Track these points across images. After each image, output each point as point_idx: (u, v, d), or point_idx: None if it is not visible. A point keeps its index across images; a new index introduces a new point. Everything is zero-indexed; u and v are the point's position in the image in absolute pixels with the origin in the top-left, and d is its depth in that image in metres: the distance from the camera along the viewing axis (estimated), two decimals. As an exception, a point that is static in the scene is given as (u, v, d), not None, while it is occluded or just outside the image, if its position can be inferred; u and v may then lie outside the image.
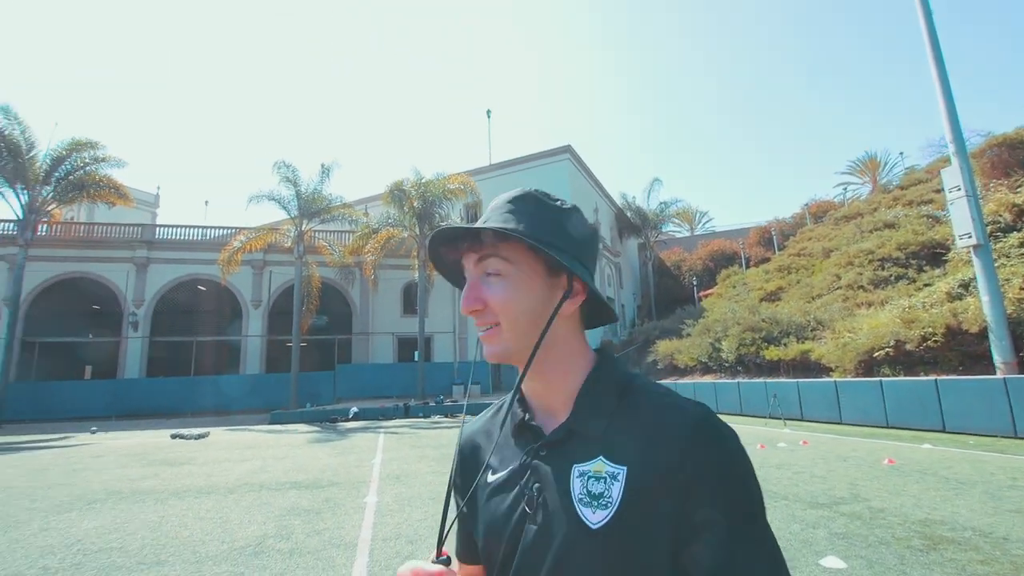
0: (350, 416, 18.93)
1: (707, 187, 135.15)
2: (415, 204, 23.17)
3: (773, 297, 22.76)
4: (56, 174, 19.95)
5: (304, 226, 22.24)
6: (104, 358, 27.14)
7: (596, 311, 0.75)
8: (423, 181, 23.36)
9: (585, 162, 35.36)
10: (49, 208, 20.84)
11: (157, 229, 26.01)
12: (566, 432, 0.65)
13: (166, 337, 26.08)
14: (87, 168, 20.19)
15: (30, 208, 19.99)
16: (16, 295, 19.78)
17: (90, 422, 19.89)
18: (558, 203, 0.71)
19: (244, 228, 23.48)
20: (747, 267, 34.02)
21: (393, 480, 7.27)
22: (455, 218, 25.28)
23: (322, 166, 22.48)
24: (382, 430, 14.84)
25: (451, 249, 0.73)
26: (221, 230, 26.73)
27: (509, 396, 0.75)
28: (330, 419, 18.60)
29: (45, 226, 23.53)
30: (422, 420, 17.97)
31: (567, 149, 32.82)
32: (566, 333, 0.69)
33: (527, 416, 0.70)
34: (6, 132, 18.95)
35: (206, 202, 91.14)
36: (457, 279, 0.77)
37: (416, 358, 24.52)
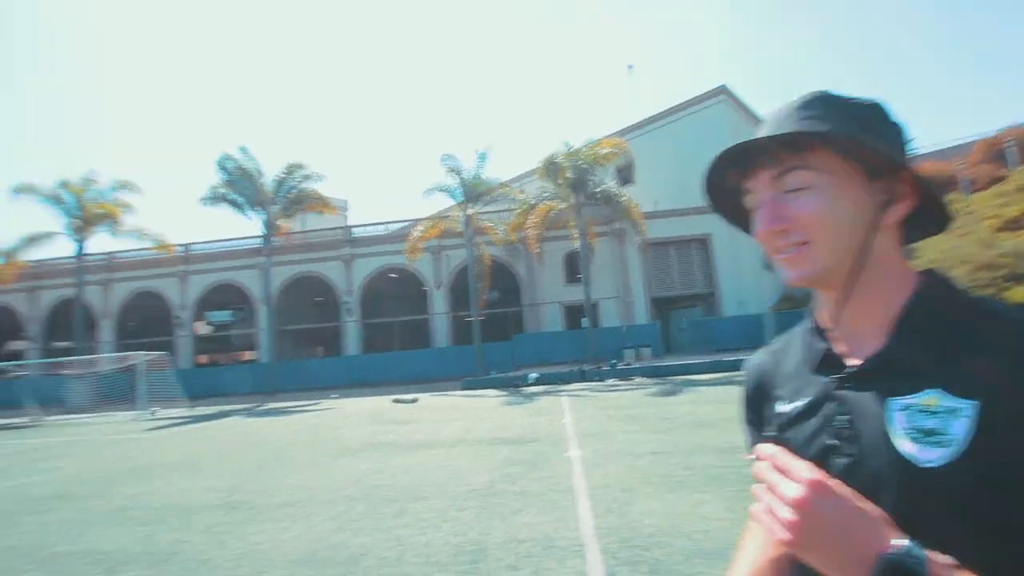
0: (530, 381, 20.12)
1: (900, 103, 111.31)
2: (568, 175, 23.25)
3: (1015, 226, 18.21)
4: (280, 194, 24.27)
5: (470, 210, 23.85)
6: (331, 339, 32.73)
7: (917, 221, 0.62)
8: (573, 151, 23.28)
9: (745, 102, 31.70)
10: (278, 222, 25.50)
11: (353, 230, 30.16)
12: (882, 362, 0.57)
13: (373, 319, 30.39)
14: (300, 185, 24.19)
15: (267, 224, 24.69)
16: (268, 294, 24.78)
17: (330, 391, 24.20)
18: (858, 99, 0.61)
19: (421, 219, 25.97)
20: (971, 192, 27.54)
21: (589, 437, 7.63)
22: (609, 183, 24.80)
23: (479, 153, 23.74)
24: (563, 393, 15.49)
25: (735, 173, 0.64)
26: (402, 223, 30.03)
27: (803, 325, 0.67)
28: (513, 384, 19.99)
29: (277, 238, 28.82)
30: (598, 384, 18.32)
31: (722, 90, 29.75)
32: (886, 247, 0.60)
33: (827, 346, 0.62)
34: (245, 166, 23.53)
35: (386, 201, 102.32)
36: (735, 214, 0.69)
37: (584, 324, 24.97)
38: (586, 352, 24.06)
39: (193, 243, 32.06)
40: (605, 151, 22.97)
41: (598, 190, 23.27)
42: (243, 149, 23.56)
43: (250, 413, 17.67)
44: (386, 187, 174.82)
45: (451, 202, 24.83)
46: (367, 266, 29.34)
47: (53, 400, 23.16)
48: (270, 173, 24.39)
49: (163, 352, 22.73)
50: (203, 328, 33.94)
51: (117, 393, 23.00)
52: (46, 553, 4.25)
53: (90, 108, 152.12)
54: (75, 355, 24.86)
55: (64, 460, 9.55)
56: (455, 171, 23.15)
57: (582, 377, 20.12)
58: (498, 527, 4.06)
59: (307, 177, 24.34)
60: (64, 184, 26.00)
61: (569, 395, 14.72)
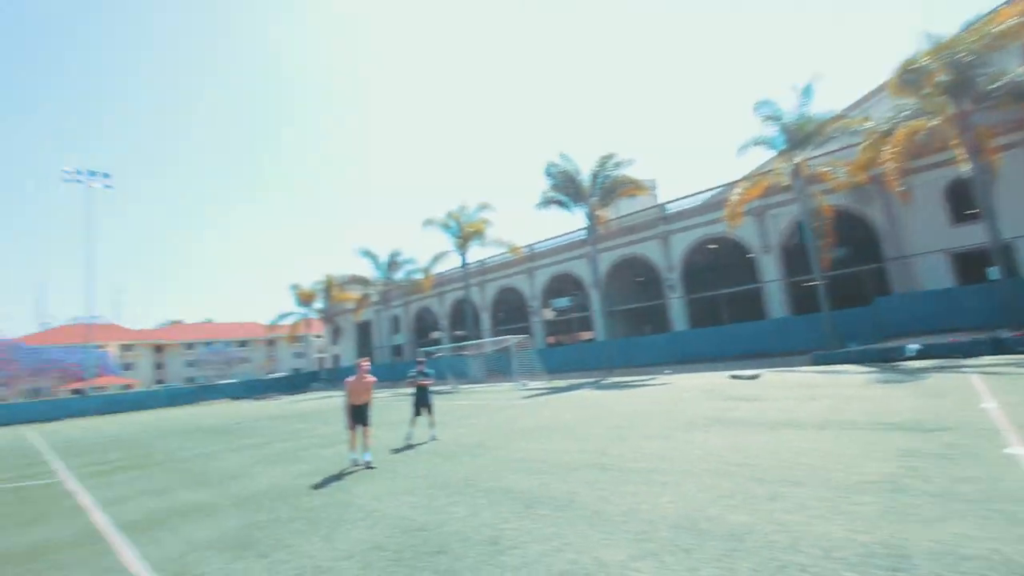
0: (910, 354, 15.87)
1: None
2: (941, 77, 17.23)
3: None
4: (596, 185, 26.04)
5: (797, 158, 20.40)
6: (655, 317, 33.37)
7: None
8: (946, 43, 17.09)
9: None
10: (597, 212, 27.39)
11: (667, 206, 29.87)
12: None
13: (697, 294, 29.50)
14: (612, 174, 25.40)
15: (589, 216, 26.89)
16: (597, 280, 26.98)
17: (661, 367, 24.70)
18: None
19: (737, 181, 23.69)
20: None
21: (1038, 430, 5.45)
22: (1017, 69, 17.21)
23: (801, 89, 20.01)
24: (967, 369, 11.64)
25: None
26: (716, 190, 28.05)
27: None
28: (885, 358, 16.17)
29: (599, 227, 30.99)
30: (1029, 355, 13.01)
31: None
32: None
33: None
34: (565, 169, 26.20)
35: (695, 171, 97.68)
36: None
37: (991, 276, 18.11)
38: (997, 315, 17.43)
39: (535, 243, 37.76)
40: (1003, 26, 16.02)
41: (997, 85, 16.52)
42: (564, 156, 26.33)
43: (596, 386, 19.39)
44: (692, 157, 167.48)
45: (771, 155, 21.77)
46: (684, 240, 28.67)
47: (461, 373, 31.01)
48: (585, 169, 26.50)
49: (524, 335, 27.52)
50: (549, 314, 39.55)
51: (498, 368, 29.08)
52: (482, 486, 5.66)
53: (447, 146, 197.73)
54: (469, 340, 32.84)
55: (476, 418, 12.55)
56: (773, 117, 20.17)
57: (996, 348, 14.66)
58: (920, 533, 3.29)
59: (617, 165, 25.39)
60: (450, 214, 34.49)
61: (980, 372, 10.94)
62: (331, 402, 26.61)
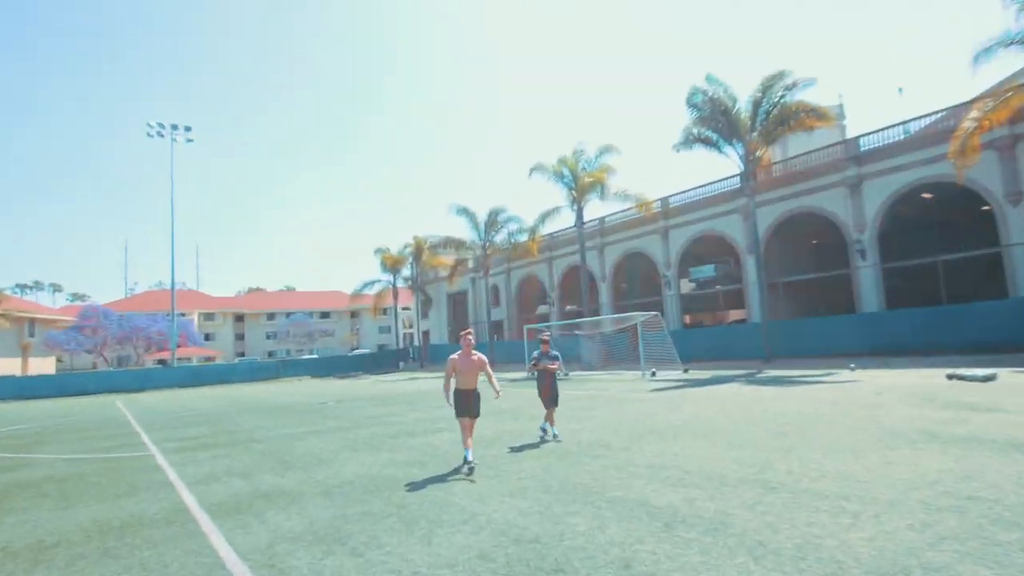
0: None
1: None
2: None
3: None
4: (758, 117, 24.18)
5: None
6: (835, 292, 30.81)
7: None
8: None
9: None
10: (757, 153, 25.56)
11: (860, 141, 26.99)
12: None
13: (899, 262, 26.63)
14: (782, 100, 23.39)
15: (745, 158, 25.17)
16: (755, 242, 25.39)
17: (841, 358, 22.88)
18: None
19: (975, 100, 20.56)
20: None
21: None
22: None
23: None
24: None
25: None
26: (936, 115, 24.76)
27: None
28: None
29: (759, 172, 29.02)
30: None
31: None
32: None
33: None
34: (715, 96, 24.62)
35: (899, 89, 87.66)
36: None
37: None
38: None
39: (670, 196, 36.44)
40: None
41: None
42: (710, 78, 24.69)
43: (748, 380, 18.90)
44: (895, 74, 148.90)
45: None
46: (883, 188, 25.85)
47: (573, 357, 31.21)
48: (743, 95, 24.69)
49: (654, 313, 26.87)
50: (687, 286, 38.25)
51: (619, 352, 28.87)
52: (608, 495, 5.61)
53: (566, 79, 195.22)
54: (584, 317, 32.85)
55: (595, 411, 12.72)
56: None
57: None
58: None
59: (790, 88, 23.30)
60: (562, 160, 34.24)
61: None
62: (420, 385, 28.23)
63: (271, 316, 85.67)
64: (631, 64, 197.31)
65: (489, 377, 7.56)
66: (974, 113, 19.41)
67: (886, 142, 26.08)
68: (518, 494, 5.90)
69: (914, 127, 25.73)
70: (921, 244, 27.06)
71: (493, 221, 42.99)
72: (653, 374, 23.47)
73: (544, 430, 9.35)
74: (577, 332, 31.96)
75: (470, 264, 53.14)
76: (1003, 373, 14.82)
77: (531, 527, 4.73)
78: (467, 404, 7.39)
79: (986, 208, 23.60)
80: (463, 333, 7.63)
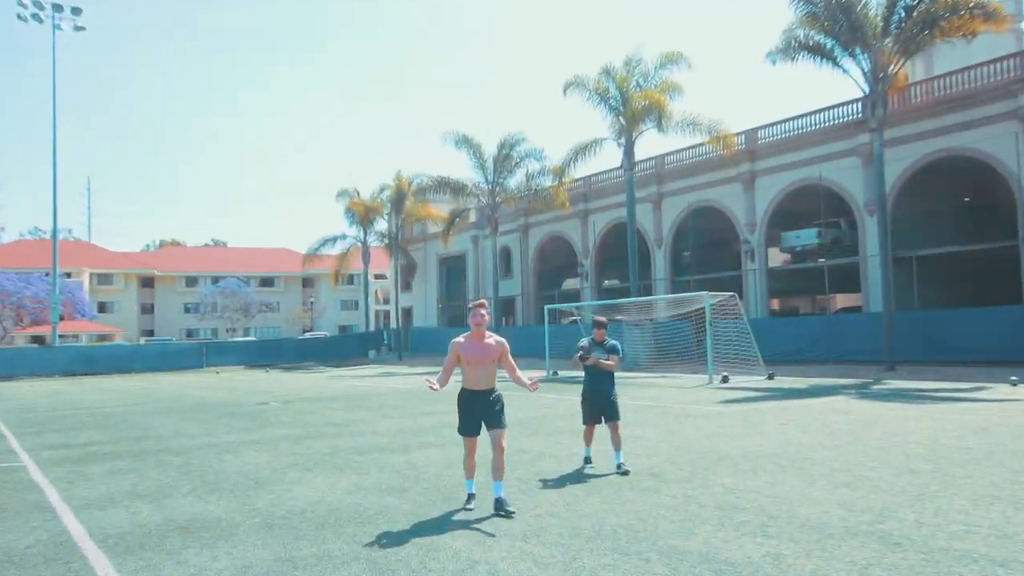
0: None
1: None
2: None
3: None
4: (895, 13, 23.77)
5: None
6: (995, 274, 30.47)
7: None
8: None
9: None
10: (891, 69, 25.15)
11: None
12: None
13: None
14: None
15: (873, 75, 24.78)
16: (880, 196, 25.12)
17: (995, 368, 22.72)
18: None
19: None
20: None
21: None
22: None
23: None
24: None
25: None
26: None
27: None
28: None
29: (892, 95, 28.57)
30: None
31: None
32: None
33: None
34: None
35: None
36: None
37: None
38: None
39: (758, 128, 36.07)
40: None
41: None
42: None
43: (861, 393, 19.01)
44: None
45: None
46: None
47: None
48: None
49: (730, 293, 26.84)
50: (778, 257, 38.09)
51: (678, 347, 28.94)
52: (660, 544, 5.63)
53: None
54: (627, 296, 32.78)
55: (644, 428, 12.82)
56: None
57: None
58: None
59: None
60: (608, 71, 33.88)
61: None
62: (397, 383, 28.39)
63: (191, 281, 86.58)
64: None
65: (511, 370, 7.23)
66: None
67: None
68: (534, 536, 5.92)
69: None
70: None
71: (506, 157, 42.83)
72: (725, 379, 23.60)
73: (588, 459, 9.23)
74: (619, 317, 32.10)
75: (472, 217, 53.17)
76: None
77: (551, 585, 4.74)
78: (480, 412, 7.05)
79: None
80: (474, 305, 7.07)
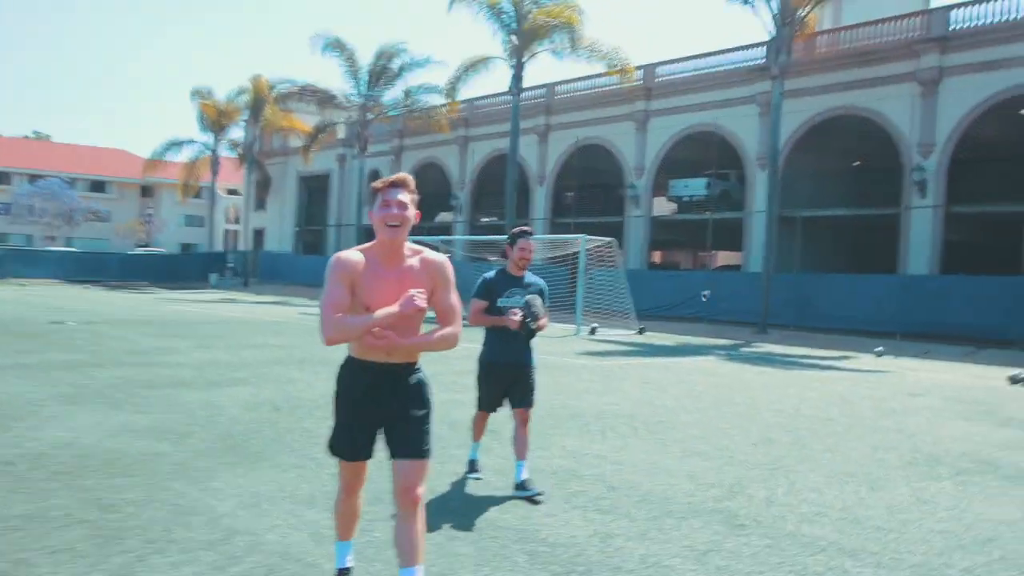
0: None
1: None
2: None
3: None
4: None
5: None
6: (876, 241, 31.84)
7: None
8: None
9: None
10: (801, 11, 25.35)
11: (952, 13, 27.58)
12: None
13: (973, 206, 27.69)
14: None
15: (781, 17, 24.90)
16: (774, 150, 25.52)
17: (864, 337, 23.77)
18: None
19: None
20: None
21: None
22: None
23: None
24: None
25: None
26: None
27: None
28: None
29: (798, 44, 28.91)
30: None
31: None
32: None
33: None
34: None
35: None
36: None
37: None
38: None
39: (658, 64, 36.01)
40: None
41: None
42: None
43: (731, 355, 19.48)
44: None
45: None
46: (971, 92, 26.56)
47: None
48: None
49: (608, 240, 26.84)
50: (665, 206, 38.57)
51: (550, 293, 28.78)
52: (471, 517, 5.11)
53: None
54: (503, 234, 32.47)
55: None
56: None
57: None
58: None
59: None
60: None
61: None
62: (237, 311, 27.33)
63: (3, 177, 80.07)
64: None
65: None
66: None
67: (986, 21, 26.59)
68: (320, 502, 5.29)
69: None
70: (1009, 185, 28.09)
71: (383, 68, 41.39)
72: (593, 331, 23.75)
73: (475, 464, 6.60)
74: (491, 259, 31.83)
75: (341, 134, 51.51)
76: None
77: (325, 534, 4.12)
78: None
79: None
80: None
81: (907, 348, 22.15)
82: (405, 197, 3.42)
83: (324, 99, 43.61)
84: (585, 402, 10.53)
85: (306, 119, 49.45)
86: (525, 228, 6.14)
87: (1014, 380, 15.28)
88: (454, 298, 3.50)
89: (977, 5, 26.81)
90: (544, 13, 32.25)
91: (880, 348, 20.83)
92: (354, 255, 3.46)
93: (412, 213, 3.41)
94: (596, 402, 10.60)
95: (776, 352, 20.22)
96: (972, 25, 26.72)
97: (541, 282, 6.46)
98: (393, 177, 3.52)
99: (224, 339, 16.94)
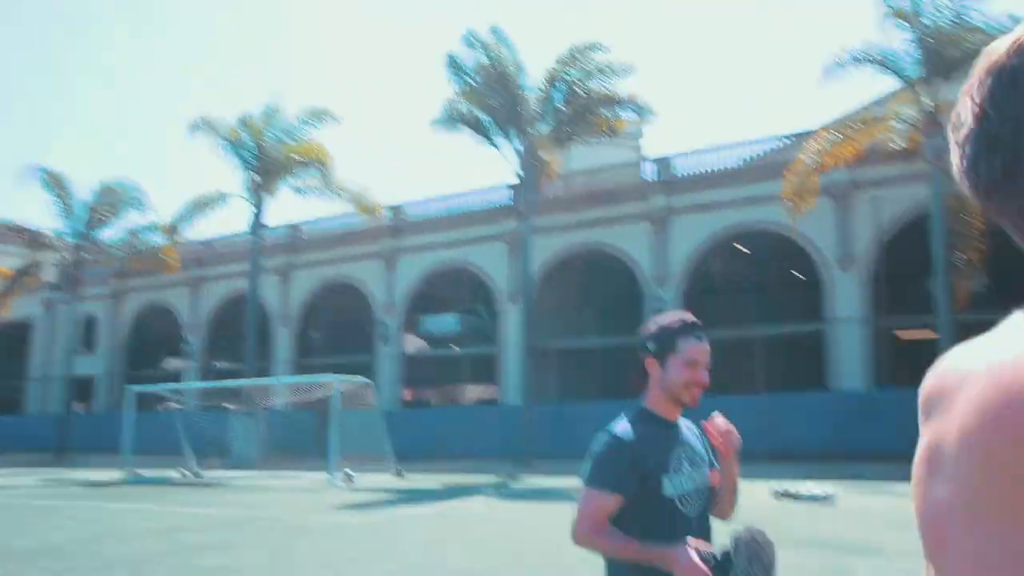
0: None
1: None
2: None
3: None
4: (551, 102, 25.20)
5: (938, 94, 21.01)
6: (627, 367, 32.90)
7: None
8: None
9: None
10: (542, 152, 26.48)
11: (676, 163, 30.21)
12: None
13: (711, 331, 29.13)
14: (590, 82, 25.02)
15: (526, 159, 25.79)
16: (526, 284, 25.83)
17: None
18: None
19: (812, 132, 23.86)
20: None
21: None
22: None
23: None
24: None
25: None
26: (767, 146, 28.55)
27: None
28: None
29: (545, 183, 30.16)
30: None
31: None
32: None
33: None
34: (496, 57, 25.48)
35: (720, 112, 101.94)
36: None
37: None
38: None
39: (408, 203, 36.16)
40: None
41: None
42: (496, 32, 25.67)
43: (501, 492, 18.86)
44: (718, 82, 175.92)
45: (885, 87, 22.15)
46: (695, 230, 29.03)
47: (214, 446, 28.26)
48: (536, 68, 25.76)
49: (362, 380, 25.54)
50: (414, 343, 37.91)
51: (299, 440, 26.83)
52: None
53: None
54: (243, 378, 30.20)
55: (237, 554, 10.52)
56: (903, 16, 20.50)
57: None
58: None
59: (602, 70, 25.00)
60: (244, 121, 32.10)
61: None
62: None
63: None
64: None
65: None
66: (814, 147, 22.74)
67: (701, 170, 29.42)
68: None
69: (739, 156, 29.24)
70: (736, 308, 30.46)
71: (103, 206, 38.29)
72: (348, 478, 21.96)
73: None
74: (228, 406, 30.20)
75: (52, 276, 46.52)
76: (839, 491, 16.30)
77: None
78: None
79: (815, 268, 27.75)
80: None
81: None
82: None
83: (30, 238, 39.43)
84: (363, 570, 9.23)
85: (12, 260, 44.23)
86: (693, 320, 2.88)
87: (780, 495, 15.55)
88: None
89: (694, 156, 29.70)
90: (291, 150, 31.62)
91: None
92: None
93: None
94: (375, 572, 9.21)
95: (545, 485, 19.72)
96: (693, 173, 29.38)
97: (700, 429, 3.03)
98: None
99: None
